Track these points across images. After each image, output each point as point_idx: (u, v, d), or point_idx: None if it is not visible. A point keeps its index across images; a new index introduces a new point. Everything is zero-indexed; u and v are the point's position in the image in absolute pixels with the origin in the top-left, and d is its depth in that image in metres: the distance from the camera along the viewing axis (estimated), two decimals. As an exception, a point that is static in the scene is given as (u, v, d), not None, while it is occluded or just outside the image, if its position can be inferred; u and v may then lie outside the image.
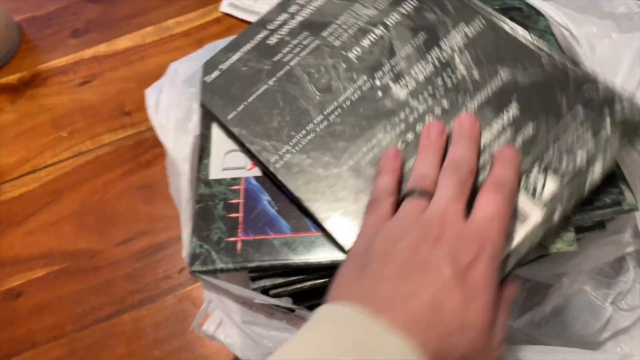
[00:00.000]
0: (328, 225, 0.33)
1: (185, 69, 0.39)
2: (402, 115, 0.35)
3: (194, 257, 0.35)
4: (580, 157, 0.31)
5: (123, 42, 0.60)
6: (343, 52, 0.38)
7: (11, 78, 0.59)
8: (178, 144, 0.36)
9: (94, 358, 0.45)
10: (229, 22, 0.59)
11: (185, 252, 0.34)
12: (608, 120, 0.32)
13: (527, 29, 0.40)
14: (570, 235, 0.32)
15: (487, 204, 0.29)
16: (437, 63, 0.36)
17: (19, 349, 0.46)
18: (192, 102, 0.37)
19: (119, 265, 0.48)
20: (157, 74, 0.40)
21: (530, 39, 0.36)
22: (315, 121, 0.36)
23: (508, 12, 0.40)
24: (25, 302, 0.48)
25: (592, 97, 0.33)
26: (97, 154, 0.54)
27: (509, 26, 0.37)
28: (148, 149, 0.53)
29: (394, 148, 0.34)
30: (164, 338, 0.45)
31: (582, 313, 0.42)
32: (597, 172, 0.31)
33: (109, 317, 0.46)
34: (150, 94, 0.38)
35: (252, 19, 0.58)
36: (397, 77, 0.37)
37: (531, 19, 0.40)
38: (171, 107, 0.37)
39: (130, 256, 0.49)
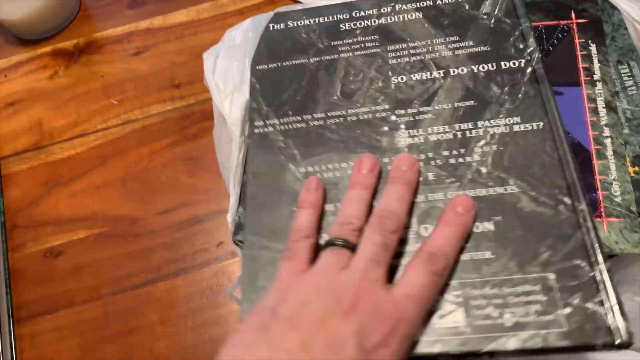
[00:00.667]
0: (248, 208, 0.33)
1: (241, 35, 0.39)
2: (386, 160, 0.33)
3: (238, 227, 0.35)
4: (508, 319, 0.27)
5: (178, 16, 0.60)
6: (390, 73, 0.36)
7: (67, 44, 0.60)
8: (233, 109, 0.35)
9: (128, 322, 0.45)
10: (283, 3, 0.59)
11: (230, 219, 0.34)
12: (565, 313, 0.27)
13: (600, 22, 0.38)
14: (636, 236, 0.30)
15: (414, 278, 0.27)
16: (459, 136, 0.33)
17: (55, 307, 0.47)
18: (247, 68, 0.37)
19: (159, 234, 0.48)
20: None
21: (574, 172, 0.30)
22: (314, 116, 0.35)
23: (581, 3, 0.39)
24: (65, 262, 0.48)
25: (572, 278, 0.28)
26: (145, 123, 0.54)
27: (564, 147, 0.31)
28: (195, 122, 0.53)
29: (316, 178, 0.32)
30: (197, 309, 0.45)
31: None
32: (510, 345, 0.27)
33: (145, 284, 0.46)
34: (208, 57, 0.38)
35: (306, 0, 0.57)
36: (413, 125, 0.34)
37: (605, 12, 0.39)
38: (228, 72, 0.37)
39: (170, 226, 0.49)
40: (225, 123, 0.38)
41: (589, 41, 0.37)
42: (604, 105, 0.35)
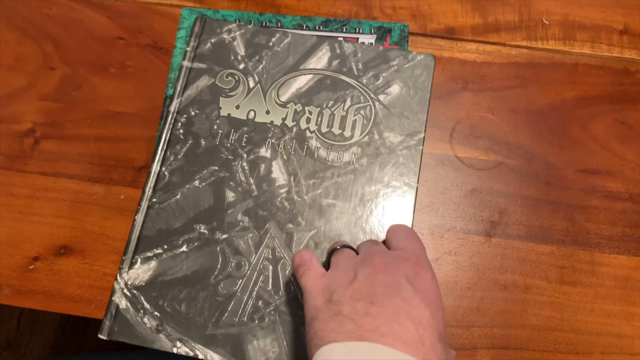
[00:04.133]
0: None
1: None
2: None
3: None
4: None
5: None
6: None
7: None
8: None
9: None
10: None
11: None
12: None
13: None
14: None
15: (398, 232, 0.36)
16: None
17: (439, 220, 0.42)
18: None
19: (573, 193, 0.43)
20: None
21: None
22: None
23: None
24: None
25: None
26: (578, 61, 0.46)
27: None
28: (637, 82, 0.46)
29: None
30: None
31: None
32: None
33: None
34: None
35: None
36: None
37: None
38: None
39: (587, 190, 0.43)
40: None
41: None
42: None
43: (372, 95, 0.41)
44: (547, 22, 0.48)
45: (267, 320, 0.37)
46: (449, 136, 0.44)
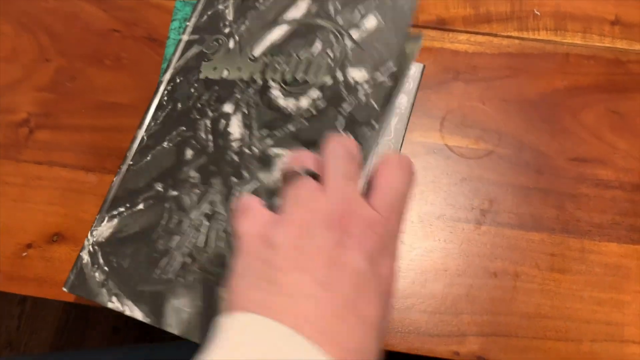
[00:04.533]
0: None
1: None
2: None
3: None
4: None
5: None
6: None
7: None
8: None
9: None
10: None
11: None
12: None
13: None
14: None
15: (390, 181, 0.27)
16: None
17: (430, 209, 0.42)
18: None
19: (564, 181, 0.43)
20: None
21: None
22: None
23: None
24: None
25: None
26: (569, 51, 0.47)
27: None
28: (627, 73, 0.46)
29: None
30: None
31: None
32: None
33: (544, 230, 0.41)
34: None
35: None
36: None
37: None
38: None
39: (578, 178, 0.43)
40: None
41: None
42: None
43: (342, 32, 0.39)
44: (539, 13, 0.48)
45: (190, 278, 0.36)
46: (439, 125, 0.44)
